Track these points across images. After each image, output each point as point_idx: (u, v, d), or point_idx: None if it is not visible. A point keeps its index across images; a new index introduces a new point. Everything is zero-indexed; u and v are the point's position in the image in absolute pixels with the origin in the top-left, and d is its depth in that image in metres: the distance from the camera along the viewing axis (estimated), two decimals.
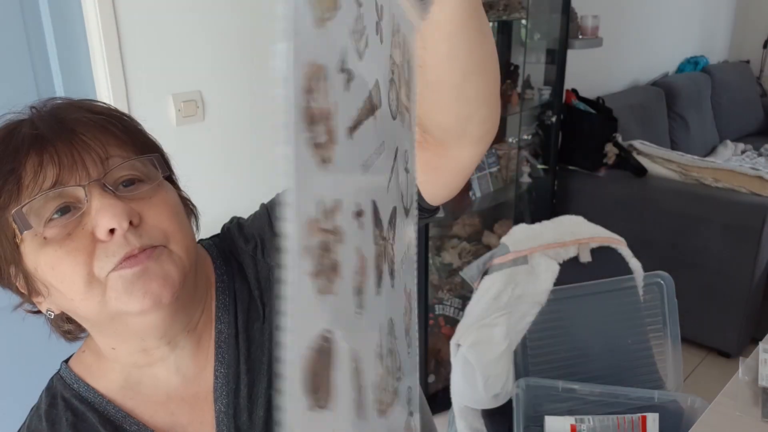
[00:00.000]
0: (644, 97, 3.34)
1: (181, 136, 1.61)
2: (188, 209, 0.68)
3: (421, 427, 0.51)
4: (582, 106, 2.82)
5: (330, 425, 0.25)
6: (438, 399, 2.12)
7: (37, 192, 0.55)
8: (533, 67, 2.66)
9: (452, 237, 2.47)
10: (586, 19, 2.83)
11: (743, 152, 3.64)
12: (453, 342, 1.57)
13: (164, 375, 0.64)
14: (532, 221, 1.69)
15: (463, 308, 1.63)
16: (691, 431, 1.07)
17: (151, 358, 0.63)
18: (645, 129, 3.12)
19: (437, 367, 2.28)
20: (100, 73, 1.46)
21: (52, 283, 0.57)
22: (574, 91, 2.87)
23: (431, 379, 2.27)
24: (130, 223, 0.55)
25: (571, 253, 1.61)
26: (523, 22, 2.48)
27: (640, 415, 1.41)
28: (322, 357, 0.24)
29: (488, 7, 2.24)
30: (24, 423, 0.64)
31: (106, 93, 1.46)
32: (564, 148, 2.77)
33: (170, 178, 0.66)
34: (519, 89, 2.56)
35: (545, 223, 1.67)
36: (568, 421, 1.42)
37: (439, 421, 1.93)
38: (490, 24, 2.26)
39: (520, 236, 1.63)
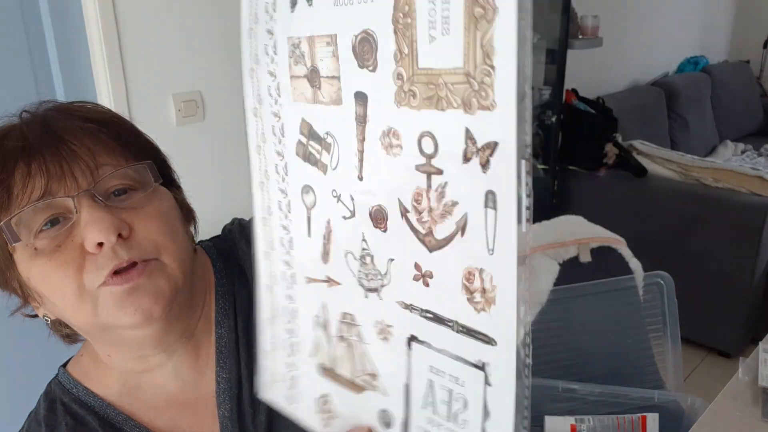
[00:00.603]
0: (644, 97, 3.33)
1: (181, 136, 1.61)
2: (186, 215, 0.66)
3: None
4: (582, 106, 2.82)
5: None
6: None
7: (26, 203, 0.54)
8: (533, 67, 2.65)
9: None
10: (586, 19, 2.82)
11: (743, 152, 3.64)
12: None
13: (162, 380, 0.64)
14: (532, 221, 1.69)
15: None
16: (691, 431, 1.07)
17: (148, 364, 0.62)
18: (645, 129, 3.12)
19: None
20: (100, 73, 1.45)
21: (44, 293, 0.56)
22: (574, 91, 2.87)
23: None
24: (120, 235, 0.53)
25: (571, 253, 1.61)
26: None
27: (640, 415, 1.41)
28: None
29: None
30: (22, 428, 0.64)
31: (106, 93, 1.46)
32: (564, 148, 2.77)
33: (169, 181, 0.65)
34: None
35: (545, 223, 1.67)
36: (568, 421, 1.42)
37: None
38: None
39: None
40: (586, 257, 1.60)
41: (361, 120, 0.38)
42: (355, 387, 0.43)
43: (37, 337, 0.64)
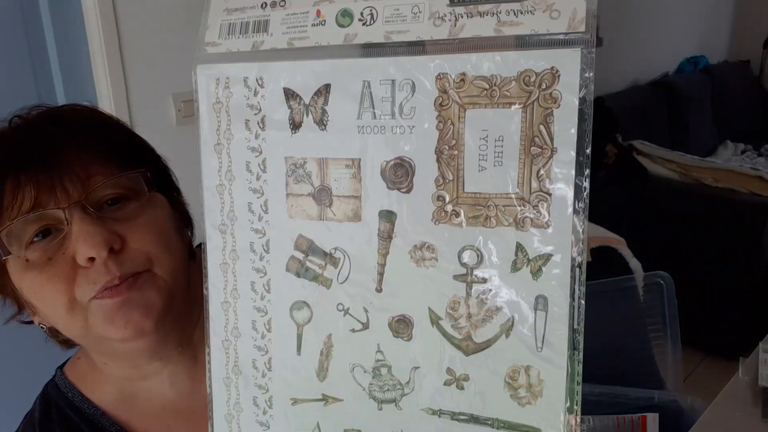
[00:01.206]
0: (644, 97, 3.33)
1: (181, 136, 1.61)
2: (184, 220, 0.65)
3: None
4: None
5: None
6: None
7: (15, 215, 0.52)
8: None
9: None
10: None
11: (743, 152, 3.64)
12: None
13: (159, 388, 0.63)
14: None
15: None
16: (691, 431, 1.07)
17: (144, 373, 0.62)
18: (645, 129, 3.12)
19: None
20: (100, 74, 1.45)
21: (35, 305, 0.56)
22: None
23: None
24: (112, 249, 0.52)
25: None
26: None
27: (640, 415, 1.41)
28: None
29: None
30: (18, 430, 0.64)
31: (106, 93, 1.46)
32: None
33: (167, 184, 0.64)
34: None
35: None
36: None
37: None
38: None
39: None
40: (586, 257, 1.60)
41: (386, 236, 0.38)
42: None
43: (36, 337, 0.63)
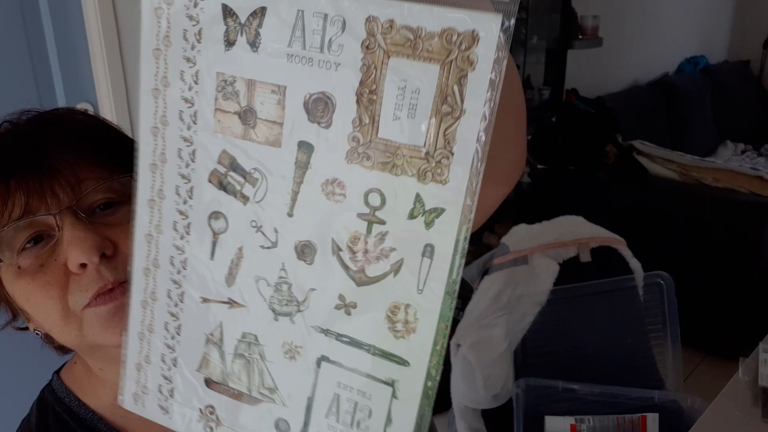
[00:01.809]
0: (644, 97, 3.34)
1: None
2: None
3: None
4: (582, 106, 2.82)
5: None
6: (438, 399, 2.12)
7: (6, 222, 0.52)
8: (533, 68, 2.66)
9: None
10: (586, 19, 2.83)
11: (743, 152, 3.65)
12: (453, 342, 1.57)
13: None
14: (532, 221, 1.69)
15: (463, 308, 1.63)
16: (691, 431, 1.07)
17: None
18: (645, 129, 3.12)
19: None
20: (100, 73, 1.46)
21: (29, 312, 0.56)
22: (574, 91, 2.87)
23: None
24: (104, 254, 0.52)
25: (571, 253, 1.61)
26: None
27: (640, 415, 1.41)
28: None
29: None
30: None
31: (106, 93, 1.46)
32: (564, 148, 2.77)
33: None
34: None
35: (545, 223, 1.67)
36: (568, 421, 1.42)
37: (439, 421, 1.93)
38: None
39: (520, 236, 1.63)
40: (586, 257, 1.60)
41: (303, 166, 0.39)
42: (251, 399, 0.45)
43: (32, 342, 0.63)
